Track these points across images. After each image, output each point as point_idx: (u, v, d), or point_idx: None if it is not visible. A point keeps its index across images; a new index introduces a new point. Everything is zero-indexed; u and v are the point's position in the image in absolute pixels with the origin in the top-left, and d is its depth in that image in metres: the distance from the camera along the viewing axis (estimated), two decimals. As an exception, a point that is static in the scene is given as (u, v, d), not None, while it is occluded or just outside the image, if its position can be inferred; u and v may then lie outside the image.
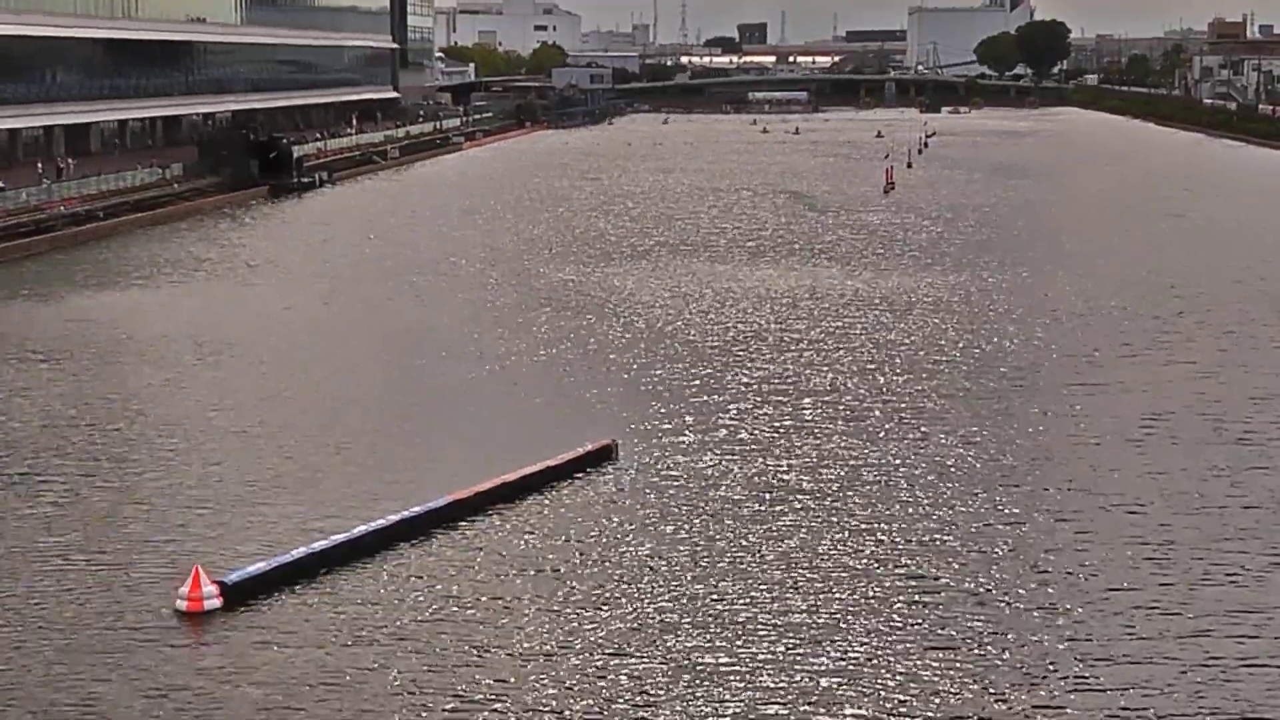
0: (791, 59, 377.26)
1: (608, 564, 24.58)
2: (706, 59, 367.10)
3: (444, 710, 19.30)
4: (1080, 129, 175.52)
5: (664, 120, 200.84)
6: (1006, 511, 27.27)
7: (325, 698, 19.61)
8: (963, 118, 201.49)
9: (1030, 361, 40.61)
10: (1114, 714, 19.25)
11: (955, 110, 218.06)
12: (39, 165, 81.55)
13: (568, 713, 19.24)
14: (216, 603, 22.44)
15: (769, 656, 20.88)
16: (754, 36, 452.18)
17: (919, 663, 20.65)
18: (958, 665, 20.56)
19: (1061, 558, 24.79)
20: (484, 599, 23.01)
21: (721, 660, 20.75)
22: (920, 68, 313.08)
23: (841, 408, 35.34)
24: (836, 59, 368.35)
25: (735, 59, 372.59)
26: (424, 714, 19.21)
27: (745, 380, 38.29)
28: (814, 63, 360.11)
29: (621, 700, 19.56)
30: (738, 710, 19.34)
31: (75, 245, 66.72)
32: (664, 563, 24.61)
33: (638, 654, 20.94)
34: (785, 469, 30.08)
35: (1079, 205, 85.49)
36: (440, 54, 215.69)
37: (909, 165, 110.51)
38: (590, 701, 19.52)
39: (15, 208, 69.10)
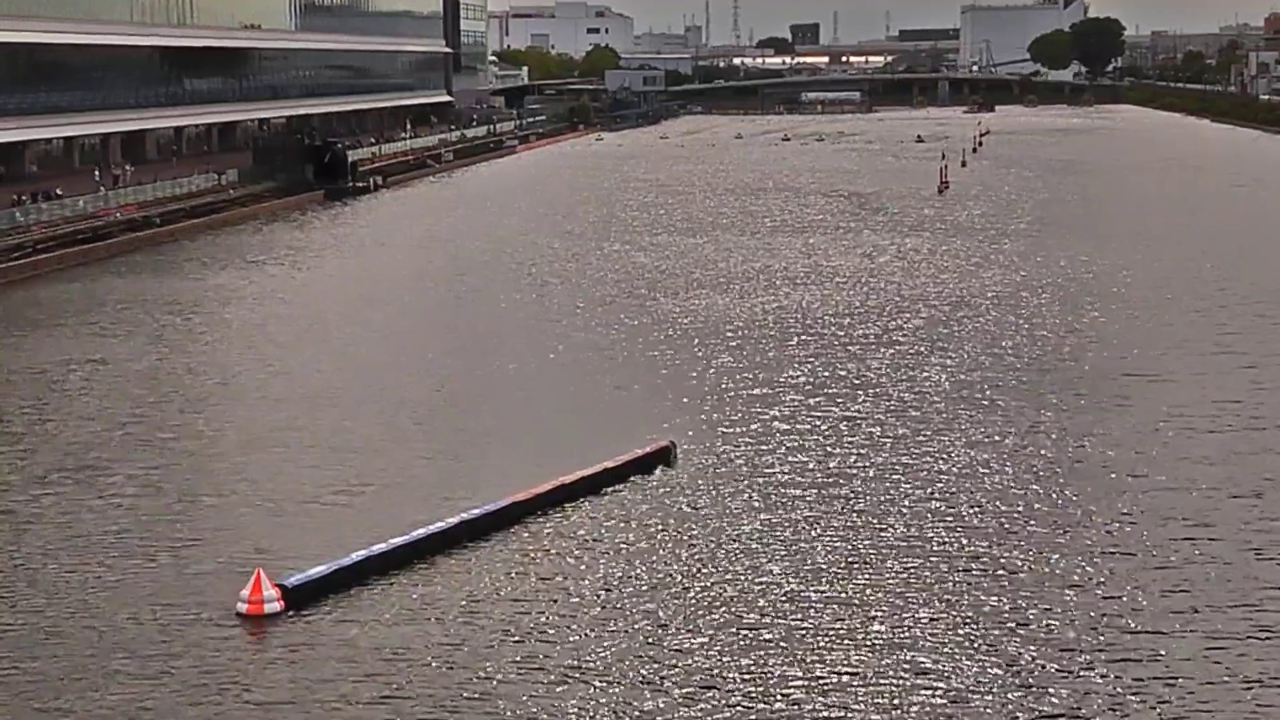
0: (844, 59, 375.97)
1: (666, 566, 24.48)
2: (759, 60, 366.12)
3: (505, 713, 19.25)
4: (1134, 126, 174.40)
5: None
6: (1069, 502, 27.09)
7: (384, 700, 19.59)
8: (1004, 115, 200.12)
9: (1086, 354, 40.36)
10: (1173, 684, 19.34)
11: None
12: (96, 172, 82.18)
13: (625, 714, 19.18)
14: (277, 605, 22.47)
15: (832, 661, 20.76)
16: (806, 37, 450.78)
17: (983, 659, 20.53)
18: (1014, 650, 20.44)
19: (1125, 547, 24.66)
20: (544, 601, 22.96)
21: (783, 665, 20.64)
22: (974, 67, 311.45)
23: (903, 404, 35.15)
24: (889, 59, 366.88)
25: (788, 60, 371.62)
26: (485, 717, 19.17)
27: (803, 377, 38.14)
28: (867, 63, 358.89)
29: (679, 704, 19.48)
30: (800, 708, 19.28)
31: (132, 251, 67.16)
32: (722, 566, 24.49)
33: (697, 659, 20.84)
34: (845, 469, 29.90)
35: (1133, 202, 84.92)
36: (493, 58, 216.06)
37: (963, 164, 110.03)
38: (644, 705, 19.45)
39: (73, 215, 69.64)
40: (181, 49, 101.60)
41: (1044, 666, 20.41)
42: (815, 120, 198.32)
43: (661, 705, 19.42)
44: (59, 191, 72.32)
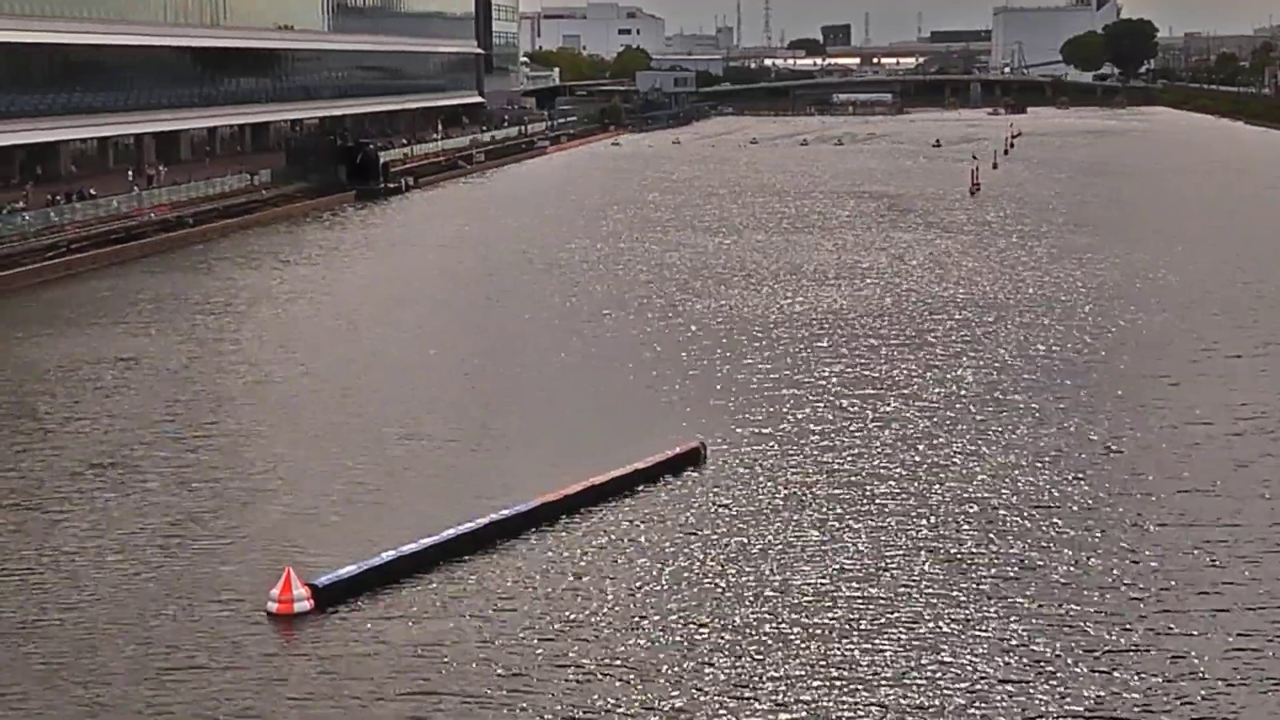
0: (876, 60, 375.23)
1: (696, 566, 24.52)
2: (790, 61, 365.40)
3: (532, 713, 19.31)
4: (1167, 128, 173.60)
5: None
6: (1098, 502, 27.04)
7: (413, 701, 19.66)
8: (1036, 117, 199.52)
9: (1118, 356, 40.26)
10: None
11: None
12: (130, 172, 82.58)
13: (655, 711, 19.22)
14: (307, 605, 22.57)
15: (862, 660, 20.78)
16: (838, 38, 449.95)
17: (1013, 657, 20.53)
18: (1044, 648, 20.43)
19: (1154, 547, 24.62)
20: (574, 599, 23.01)
21: (812, 663, 20.66)
22: (1006, 68, 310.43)
23: (934, 404, 35.09)
24: (921, 60, 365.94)
25: (819, 61, 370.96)
26: (512, 716, 19.23)
27: (833, 378, 38.12)
28: (898, 64, 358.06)
29: (709, 711, 19.52)
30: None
31: (165, 251, 67.48)
32: (751, 565, 24.51)
33: (726, 656, 20.87)
34: (876, 470, 29.88)
35: (1166, 204, 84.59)
36: (525, 59, 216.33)
37: (994, 166, 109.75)
38: (675, 712, 19.48)
39: (107, 214, 70.01)
40: (215, 50, 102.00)
41: (1074, 665, 20.43)
42: (846, 121, 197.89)
43: (691, 701, 19.47)
44: (93, 191, 72.73)
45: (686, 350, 42.34)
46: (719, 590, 23.40)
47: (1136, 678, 20.04)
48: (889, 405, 35.42)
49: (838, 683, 20.04)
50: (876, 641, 21.35)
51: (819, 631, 21.72)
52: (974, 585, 23.48)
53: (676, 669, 20.48)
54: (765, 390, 37.13)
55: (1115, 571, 24.01)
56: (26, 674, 20.62)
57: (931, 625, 21.90)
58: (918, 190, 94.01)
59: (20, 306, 52.66)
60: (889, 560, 24.68)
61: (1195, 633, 21.51)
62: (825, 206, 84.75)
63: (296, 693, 19.97)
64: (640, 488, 28.63)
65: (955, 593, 23.17)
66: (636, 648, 21.19)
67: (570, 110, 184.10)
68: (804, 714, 19.22)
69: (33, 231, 63.84)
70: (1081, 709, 19.21)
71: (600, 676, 20.27)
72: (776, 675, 20.26)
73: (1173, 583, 23.46)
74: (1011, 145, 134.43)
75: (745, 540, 25.74)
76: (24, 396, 37.83)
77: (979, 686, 19.86)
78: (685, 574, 24.15)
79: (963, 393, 36.65)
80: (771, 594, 23.22)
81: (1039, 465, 30.10)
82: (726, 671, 20.41)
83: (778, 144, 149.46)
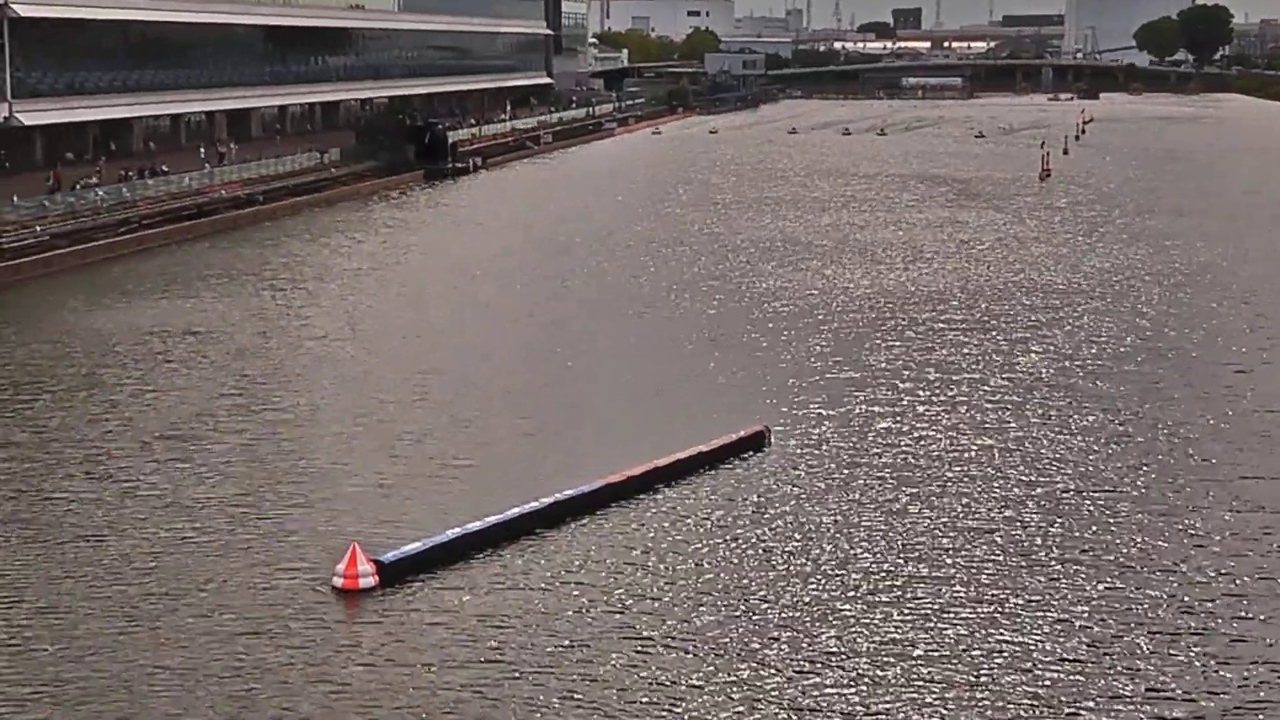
0: (946, 44, 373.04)
1: (759, 546, 24.54)
2: (860, 45, 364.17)
3: (596, 690, 19.39)
4: (1242, 115, 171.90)
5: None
6: (1162, 487, 26.88)
7: (477, 677, 19.75)
8: (1109, 103, 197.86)
9: (1185, 343, 39.97)
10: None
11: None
12: (201, 150, 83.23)
13: (715, 695, 19.26)
14: (372, 581, 22.72)
15: (924, 639, 20.74)
16: (908, 21, 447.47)
17: (1075, 638, 20.46)
18: (1105, 630, 20.35)
19: (1218, 532, 24.47)
20: (636, 582, 23.06)
21: (875, 642, 20.65)
22: (1078, 53, 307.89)
23: (999, 389, 34.95)
24: (992, 44, 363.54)
25: (889, 44, 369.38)
26: (575, 694, 19.32)
27: (899, 362, 38.02)
28: (969, 48, 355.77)
29: (772, 685, 19.55)
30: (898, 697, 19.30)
31: (236, 228, 68.03)
32: (815, 547, 24.50)
33: (788, 633, 20.88)
34: (941, 453, 29.80)
35: (1240, 191, 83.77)
36: (594, 40, 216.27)
37: (1065, 151, 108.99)
38: (737, 684, 19.52)
39: (179, 191, 70.63)
40: (286, 28, 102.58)
41: (1136, 646, 20.43)
42: (915, 105, 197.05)
43: (753, 675, 19.50)
44: (165, 168, 73.36)
45: (751, 332, 42.32)
46: (782, 570, 23.42)
47: (1199, 660, 20.00)
48: (955, 389, 35.31)
49: (900, 660, 20.02)
50: (939, 621, 21.33)
51: (881, 611, 21.71)
52: (1038, 567, 23.43)
53: (738, 644, 20.52)
54: (830, 374, 37.07)
55: (1178, 555, 23.93)
56: (95, 641, 20.86)
57: (994, 606, 21.87)
58: (987, 175, 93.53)
59: (92, 280, 53.19)
60: (952, 542, 24.63)
61: (1259, 617, 21.43)
62: (894, 190, 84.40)
63: (360, 665, 20.12)
64: (703, 471, 28.65)
65: (1019, 574, 23.13)
66: (699, 624, 21.25)
67: (638, 92, 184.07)
68: (866, 690, 19.21)
69: (105, 207, 64.47)
70: (1144, 690, 19.15)
71: (663, 650, 20.34)
72: (838, 652, 20.28)
73: (1237, 567, 23.34)
74: (1083, 131, 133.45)
75: (808, 523, 25.73)
76: (94, 368, 38.26)
77: (1041, 666, 19.82)
78: (748, 554, 24.18)
79: (1029, 377, 36.48)
80: (834, 575, 23.21)
81: (1105, 449, 29.95)
82: (789, 646, 20.45)
83: (846, 129, 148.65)
